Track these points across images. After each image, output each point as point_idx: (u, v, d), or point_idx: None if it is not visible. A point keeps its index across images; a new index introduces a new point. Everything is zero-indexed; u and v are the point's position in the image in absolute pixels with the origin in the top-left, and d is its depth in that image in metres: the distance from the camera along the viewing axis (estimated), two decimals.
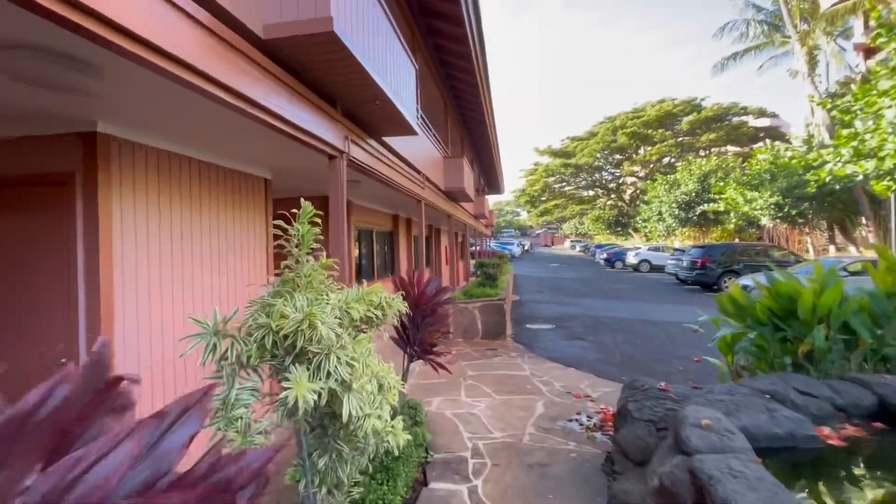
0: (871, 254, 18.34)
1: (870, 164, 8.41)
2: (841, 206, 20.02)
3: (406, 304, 2.21)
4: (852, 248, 22.05)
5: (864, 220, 20.18)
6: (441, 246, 16.95)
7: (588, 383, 5.73)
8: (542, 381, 5.77)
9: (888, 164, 8.17)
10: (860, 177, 8.74)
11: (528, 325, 9.77)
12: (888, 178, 8.65)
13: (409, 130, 4.49)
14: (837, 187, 19.66)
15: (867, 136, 9.42)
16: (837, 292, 3.56)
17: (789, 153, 10.74)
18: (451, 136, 12.60)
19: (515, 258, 39.73)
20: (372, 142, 4.56)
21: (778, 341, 3.98)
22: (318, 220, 1.85)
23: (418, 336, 3.61)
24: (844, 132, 9.99)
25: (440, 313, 3.70)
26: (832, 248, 23.38)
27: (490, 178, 23.07)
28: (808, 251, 23.64)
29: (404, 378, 3.65)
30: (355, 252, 7.88)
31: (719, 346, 4.28)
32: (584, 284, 18.79)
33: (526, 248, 59.71)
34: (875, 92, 8.30)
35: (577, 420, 4.39)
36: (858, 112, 9.89)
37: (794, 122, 44.22)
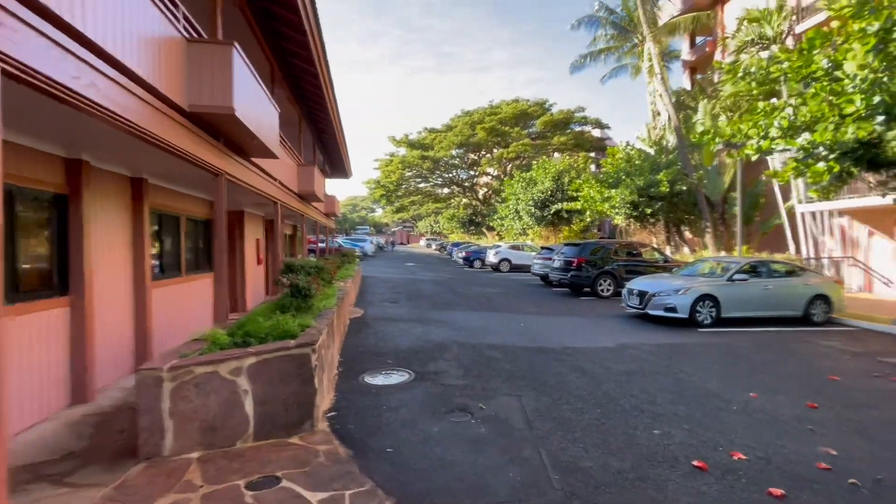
0: (716, 253, 18.96)
1: (826, 136, 6.35)
2: (683, 206, 20.63)
3: None
4: (686, 249, 23.41)
5: (698, 221, 21.15)
6: (252, 239, 11.55)
7: None
8: None
9: (849, 134, 6.12)
10: (819, 148, 6.72)
11: (366, 378, 5.45)
12: (831, 155, 6.71)
13: None
14: (684, 188, 20.23)
15: (788, 110, 7.56)
16: None
17: (700, 128, 8.87)
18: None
19: (368, 256, 35.30)
20: None
21: None
22: None
23: None
24: (760, 105, 8.16)
25: None
26: (667, 249, 24.69)
27: (333, 158, 18.15)
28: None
29: None
30: None
31: None
32: (446, 289, 15.35)
33: (382, 245, 55.69)
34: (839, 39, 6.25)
35: None
36: (773, 84, 8.10)
37: (619, 140, 48.93)
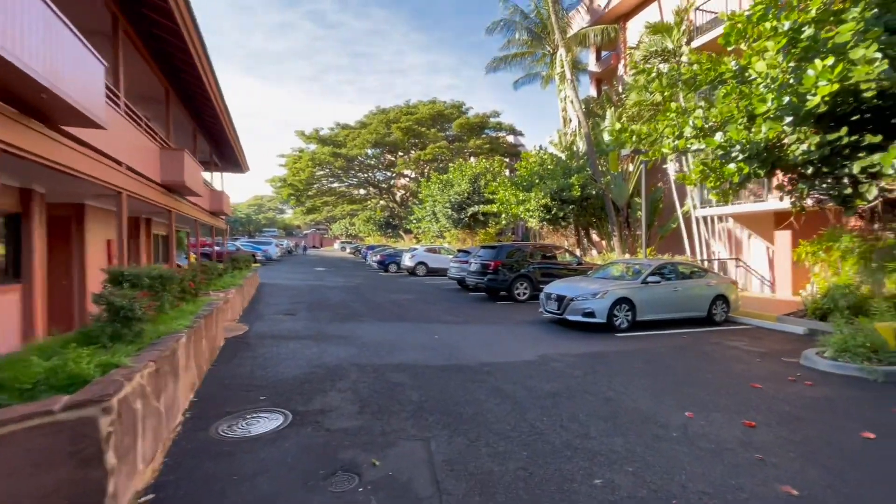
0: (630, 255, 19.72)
1: (741, 134, 6.22)
2: (592, 210, 21.30)
3: None
4: (594, 251, 24.34)
5: (605, 224, 22.02)
6: (100, 240, 9.20)
7: None
8: None
9: (762, 133, 6.01)
10: (735, 147, 6.57)
11: (221, 428, 4.01)
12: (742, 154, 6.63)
13: None
14: (594, 192, 20.88)
15: (699, 112, 7.50)
16: None
17: (618, 126, 8.67)
18: None
19: (273, 261, 32.35)
20: None
21: None
22: None
23: None
24: (673, 105, 8.07)
25: None
26: (577, 251, 25.55)
27: (222, 149, 15.77)
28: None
29: None
30: None
31: None
32: (355, 296, 13.94)
33: (291, 248, 51.96)
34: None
35: None
36: (682, 86, 8.03)
37: (531, 147, 50.88)
